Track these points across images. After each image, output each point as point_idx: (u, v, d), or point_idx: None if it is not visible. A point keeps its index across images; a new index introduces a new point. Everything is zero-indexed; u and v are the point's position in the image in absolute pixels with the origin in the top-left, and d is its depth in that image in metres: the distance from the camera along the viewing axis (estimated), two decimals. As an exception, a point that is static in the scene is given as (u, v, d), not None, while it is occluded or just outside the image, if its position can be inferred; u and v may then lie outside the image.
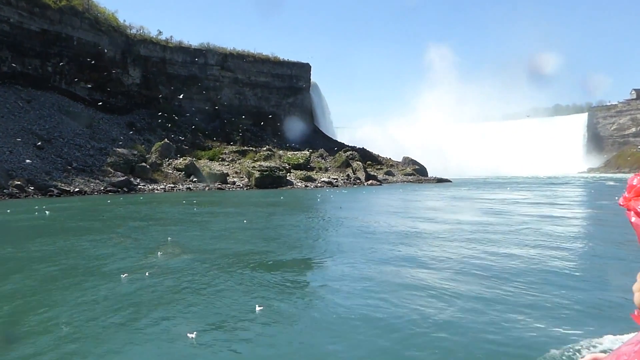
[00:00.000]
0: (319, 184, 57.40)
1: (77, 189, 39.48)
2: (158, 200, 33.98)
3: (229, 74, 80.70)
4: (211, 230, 16.58)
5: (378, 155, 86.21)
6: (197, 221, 19.81)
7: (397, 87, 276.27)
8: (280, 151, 71.55)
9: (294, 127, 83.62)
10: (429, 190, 46.86)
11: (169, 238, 14.61)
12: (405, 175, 75.50)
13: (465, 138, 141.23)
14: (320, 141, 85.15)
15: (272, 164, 57.85)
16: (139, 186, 46.35)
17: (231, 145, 69.40)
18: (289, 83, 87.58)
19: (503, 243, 13.78)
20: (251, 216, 20.60)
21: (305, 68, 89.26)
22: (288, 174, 59.37)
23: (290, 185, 54.82)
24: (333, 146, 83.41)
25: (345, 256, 12.23)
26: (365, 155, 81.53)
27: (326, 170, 66.70)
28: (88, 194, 39.31)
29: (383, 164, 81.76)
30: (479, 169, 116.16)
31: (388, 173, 74.54)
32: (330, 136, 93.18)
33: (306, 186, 54.84)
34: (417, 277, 9.96)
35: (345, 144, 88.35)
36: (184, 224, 18.47)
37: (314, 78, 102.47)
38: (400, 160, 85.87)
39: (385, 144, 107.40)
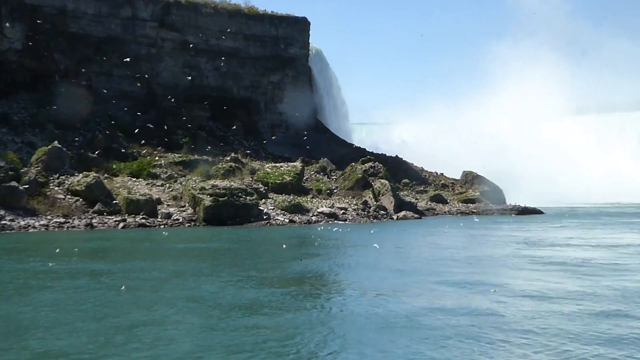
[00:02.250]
0: (314, 218, 56.94)
1: None
2: (17, 248, 34.27)
3: (173, 36, 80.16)
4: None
5: (421, 170, 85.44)
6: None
7: (462, 56, 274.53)
8: (255, 162, 71.19)
9: (282, 121, 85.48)
10: (512, 231, 47.03)
11: None
12: (464, 202, 74.61)
13: (578, 139, 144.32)
14: (323, 146, 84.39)
15: (236, 185, 56.52)
16: (2, 221, 44.71)
17: (172, 152, 68.90)
18: (274, 50, 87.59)
19: None
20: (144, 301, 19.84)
21: (300, 25, 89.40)
22: (264, 200, 58.50)
23: (265, 219, 54.13)
24: (345, 153, 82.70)
25: None
26: (398, 169, 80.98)
27: (330, 193, 65.82)
28: None
29: (428, 184, 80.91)
30: (595, 190, 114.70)
31: (436, 198, 74.37)
32: (343, 138, 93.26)
33: (293, 221, 54.51)
34: None
35: (367, 150, 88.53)
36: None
37: (317, 43, 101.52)
38: (458, 177, 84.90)
39: (435, 151, 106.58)
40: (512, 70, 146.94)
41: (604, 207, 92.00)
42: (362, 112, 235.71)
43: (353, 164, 69.25)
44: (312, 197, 63.75)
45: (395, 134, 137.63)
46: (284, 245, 33.11)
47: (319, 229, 47.72)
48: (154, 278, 23.46)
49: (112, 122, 69.83)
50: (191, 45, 79.66)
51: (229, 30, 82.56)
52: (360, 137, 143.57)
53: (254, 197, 55.59)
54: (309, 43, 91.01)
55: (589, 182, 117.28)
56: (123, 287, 20.21)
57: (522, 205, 73.12)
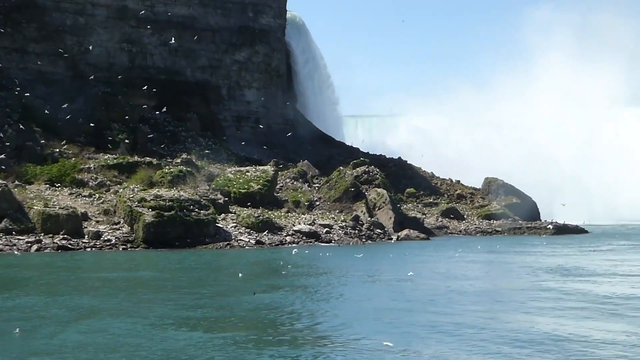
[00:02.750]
0: (288, 238, 57.18)
1: None
2: None
3: (107, 0, 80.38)
4: None
5: (432, 176, 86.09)
6: None
7: (489, 26, 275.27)
8: (214, 166, 71.43)
9: (250, 113, 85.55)
10: (543, 256, 47.17)
11: None
12: (486, 217, 76.06)
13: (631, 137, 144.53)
14: (305, 145, 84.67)
15: (187, 195, 56.36)
16: None
17: (105, 153, 69.01)
18: (240, 20, 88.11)
19: None
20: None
21: None
22: (223, 215, 58.90)
23: (226, 240, 54.16)
24: (333, 155, 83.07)
25: None
26: (401, 175, 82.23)
27: (311, 206, 66.31)
28: None
29: (441, 194, 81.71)
30: None
31: (449, 213, 75.46)
32: (331, 135, 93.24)
33: (260, 243, 54.74)
34: None
35: (361, 150, 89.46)
36: None
37: (297, 10, 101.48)
38: (480, 186, 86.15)
39: (452, 152, 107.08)
40: (556, 44, 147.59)
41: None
42: (359, 101, 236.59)
43: (341, 168, 69.41)
44: (288, 212, 63.93)
45: (401, 130, 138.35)
46: (240, 275, 33.08)
47: (294, 252, 47.66)
48: (58, 318, 23.35)
49: (27, 113, 69.45)
50: (131, 13, 79.48)
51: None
52: (355, 133, 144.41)
53: (209, 212, 55.44)
54: (285, 10, 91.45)
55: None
56: (17, 330, 20.35)
57: (561, 222, 74.04)
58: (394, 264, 41.91)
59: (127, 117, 73.75)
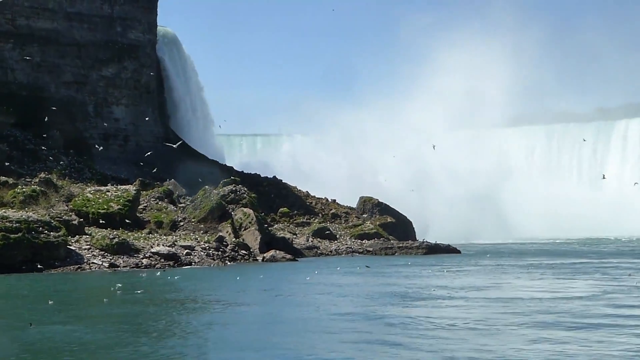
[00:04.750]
0: (145, 261, 55.59)
1: None
2: None
3: None
4: None
5: (306, 195, 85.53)
6: None
7: (362, 50, 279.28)
8: (77, 185, 69.81)
9: (119, 130, 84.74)
10: (396, 277, 47.16)
11: None
12: (359, 237, 75.66)
13: (525, 154, 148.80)
14: (177, 164, 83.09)
15: (36, 216, 54.41)
16: None
17: None
18: (108, 34, 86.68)
19: None
20: None
21: (143, 2, 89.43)
22: (77, 237, 57.08)
23: (78, 263, 52.69)
24: (206, 174, 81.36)
25: None
26: (276, 195, 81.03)
27: (174, 227, 65.08)
28: None
29: (315, 213, 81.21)
30: (540, 222, 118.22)
31: (320, 233, 74.73)
32: (204, 154, 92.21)
33: (115, 266, 53.41)
34: None
35: (234, 168, 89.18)
36: None
37: (170, 25, 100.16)
38: (355, 204, 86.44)
39: (333, 171, 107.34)
40: (437, 68, 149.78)
41: (544, 243, 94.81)
42: (247, 120, 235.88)
43: (207, 187, 68.05)
44: (150, 232, 62.27)
45: (284, 149, 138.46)
46: (50, 302, 31.32)
47: (142, 275, 46.62)
48: None
49: None
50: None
51: (44, 6, 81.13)
52: (240, 152, 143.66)
53: (60, 233, 53.51)
54: (156, 25, 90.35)
55: (535, 212, 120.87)
56: None
57: (433, 242, 74.61)
58: (229, 288, 41.24)
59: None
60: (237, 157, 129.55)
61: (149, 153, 73.86)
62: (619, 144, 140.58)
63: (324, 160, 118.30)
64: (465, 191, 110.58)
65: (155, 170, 74.67)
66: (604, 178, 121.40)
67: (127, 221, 61.77)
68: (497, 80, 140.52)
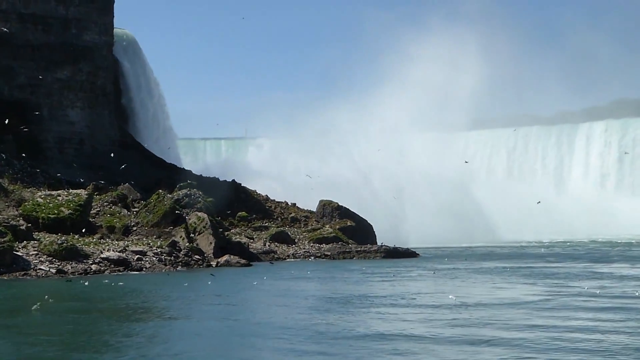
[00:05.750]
0: (94, 267, 54.60)
1: None
2: None
3: None
4: None
5: (266, 199, 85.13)
6: None
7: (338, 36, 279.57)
8: (29, 190, 68.62)
9: (74, 134, 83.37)
10: (333, 281, 47.63)
11: None
12: (318, 241, 75.41)
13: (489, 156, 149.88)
14: (135, 168, 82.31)
15: None
16: None
17: None
18: (62, 36, 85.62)
19: None
20: None
21: (99, 4, 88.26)
22: (25, 243, 55.78)
23: (24, 269, 51.56)
24: (163, 178, 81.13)
25: None
26: (235, 199, 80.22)
27: (127, 231, 64.24)
28: None
29: (274, 218, 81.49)
30: (505, 224, 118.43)
31: (279, 238, 74.27)
32: (162, 158, 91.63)
33: (62, 272, 52.29)
34: None
35: (194, 172, 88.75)
36: None
37: (129, 27, 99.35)
38: (315, 208, 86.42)
39: (296, 174, 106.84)
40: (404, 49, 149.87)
41: (510, 246, 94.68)
42: (211, 124, 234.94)
43: (161, 191, 67.27)
44: (101, 238, 61.18)
45: (249, 153, 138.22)
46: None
47: (85, 283, 45.61)
48: None
49: None
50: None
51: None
52: (204, 156, 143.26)
53: (6, 239, 52.22)
54: (112, 27, 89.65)
55: (502, 215, 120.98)
56: None
57: (392, 246, 74.25)
58: (169, 296, 40.70)
59: None
60: (201, 161, 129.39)
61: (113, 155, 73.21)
62: (582, 146, 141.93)
63: (289, 163, 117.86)
64: (432, 194, 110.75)
65: (111, 174, 73.96)
66: (538, 203, 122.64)
67: (79, 226, 61.12)
68: (463, 82, 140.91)
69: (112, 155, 77.86)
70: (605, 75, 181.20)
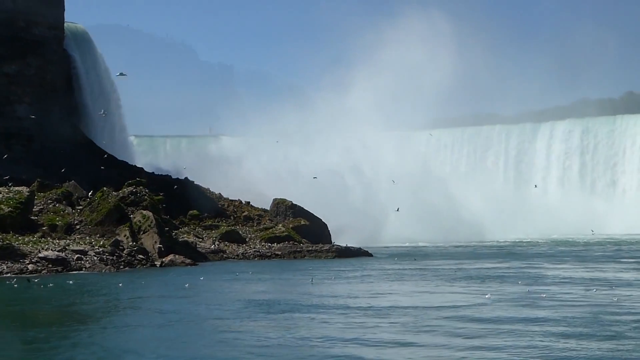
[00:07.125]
0: (31, 266, 53.32)
1: None
2: None
3: None
4: None
5: (219, 197, 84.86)
6: None
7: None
8: None
9: (22, 130, 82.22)
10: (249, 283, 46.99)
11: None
12: (269, 240, 74.23)
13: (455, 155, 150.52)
14: (86, 166, 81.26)
15: None
16: None
17: None
18: (10, 30, 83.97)
19: None
20: None
21: None
22: None
23: None
24: (115, 176, 79.50)
25: None
26: (187, 197, 78.89)
27: (69, 230, 62.74)
28: None
29: (227, 216, 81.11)
30: (465, 223, 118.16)
31: (229, 237, 72.89)
32: (114, 155, 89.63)
33: None
34: None
35: (146, 170, 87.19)
36: None
37: (82, 21, 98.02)
38: (269, 207, 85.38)
39: (256, 173, 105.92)
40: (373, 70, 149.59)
41: (473, 246, 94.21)
42: (173, 121, 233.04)
43: (105, 188, 65.65)
44: (42, 236, 59.65)
45: (210, 150, 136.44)
46: None
47: (14, 285, 44.56)
48: None
49: None
50: None
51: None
52: (164, 154, 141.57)
53: None
54: (63, 21, 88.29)
55: (462, 215, 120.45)
56: None
57: (344, 245, 73.35)
58: (98, 298, 40.19)
59: None
60: (162, 159, 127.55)
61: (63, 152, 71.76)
62: (544, 146, 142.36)
63: (249, 161, 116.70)
64: (396, 193, 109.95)
65: (60, 172, 72.44)
66: (535, 187, 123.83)
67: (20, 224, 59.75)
68: (423, 82, 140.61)
69: (61, 152, 76.65)
70: (571, 75, 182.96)
